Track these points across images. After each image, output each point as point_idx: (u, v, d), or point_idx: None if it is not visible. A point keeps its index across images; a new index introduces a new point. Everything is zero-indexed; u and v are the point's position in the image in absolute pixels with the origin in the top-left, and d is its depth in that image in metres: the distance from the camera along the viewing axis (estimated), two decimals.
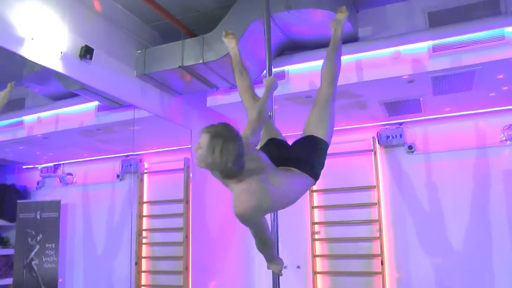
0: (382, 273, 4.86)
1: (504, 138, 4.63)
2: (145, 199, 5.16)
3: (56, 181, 5.05)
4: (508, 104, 4.54)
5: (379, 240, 4.96)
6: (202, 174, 4.90)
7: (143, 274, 5.00)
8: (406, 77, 3.88)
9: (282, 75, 4.23)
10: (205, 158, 1.99)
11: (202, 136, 2.02)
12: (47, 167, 5.00)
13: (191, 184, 4.72)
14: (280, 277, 2.71)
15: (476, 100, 4.47)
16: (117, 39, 3.97)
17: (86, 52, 3.47)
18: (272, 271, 2.69)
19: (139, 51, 4.15)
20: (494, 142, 4.69)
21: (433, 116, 4.93)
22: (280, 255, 2.60)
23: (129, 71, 4.08)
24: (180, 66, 3.97)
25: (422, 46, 3.79)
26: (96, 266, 4.94)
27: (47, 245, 4.56)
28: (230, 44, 3.00)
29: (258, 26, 3.76)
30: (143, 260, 5.04)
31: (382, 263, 4.88)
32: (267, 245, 2.29)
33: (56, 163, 5.04)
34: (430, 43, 3.76)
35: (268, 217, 2.93)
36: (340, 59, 2.80)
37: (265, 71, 4.21)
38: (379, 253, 4.92)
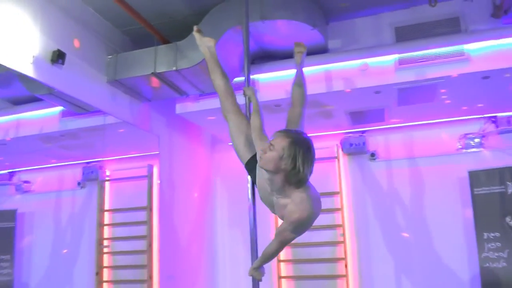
0: (346, 276, 5.02)
1: (460, 146, 4.92)
2: (106, 207, 5.01)
3: (12, 189, 4.80)
4: (464, 114, 4.82)
5: (343, 244, 5.11)
6: (170, 180, 4.84)
7: (104, 284, 4.84)
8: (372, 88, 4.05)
9: (252, 84, 4.25)
10: (278, 161, 1.98)
11: (280, 139, 2.00)
12: (1, 174, 4.74)
13: (158, 191, 4.64)
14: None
15: (435, 111, 4.72)
16: (89, 43, 3.85)
17: (59, 57, 3.35)
18: (252, 277, 2.73)
19: (109, 56, 4.04)
20: (451, 150, 4.97)
21: (394, 125, 5.14)
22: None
23: (100, 77, 3.97)
24: (153, 73, 3.91)
25: (389, 59, 3.97)
26: (56, 277, 4.73)
27: (1, 256, 4.34)
28: (209, 43, 2.93)
29: (232, 35, 3.79)
30: (105, 270, 4.88)
31: (346, 266, 5.04)
32: (277, 254, 2.33)
33: (12, 170, 4.79)
34: (396, 56, 3.95)
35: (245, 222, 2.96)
36: (306, 82, 3.01)
37: (242, 79, 4.25)
38: (343, 256, 5.08)
